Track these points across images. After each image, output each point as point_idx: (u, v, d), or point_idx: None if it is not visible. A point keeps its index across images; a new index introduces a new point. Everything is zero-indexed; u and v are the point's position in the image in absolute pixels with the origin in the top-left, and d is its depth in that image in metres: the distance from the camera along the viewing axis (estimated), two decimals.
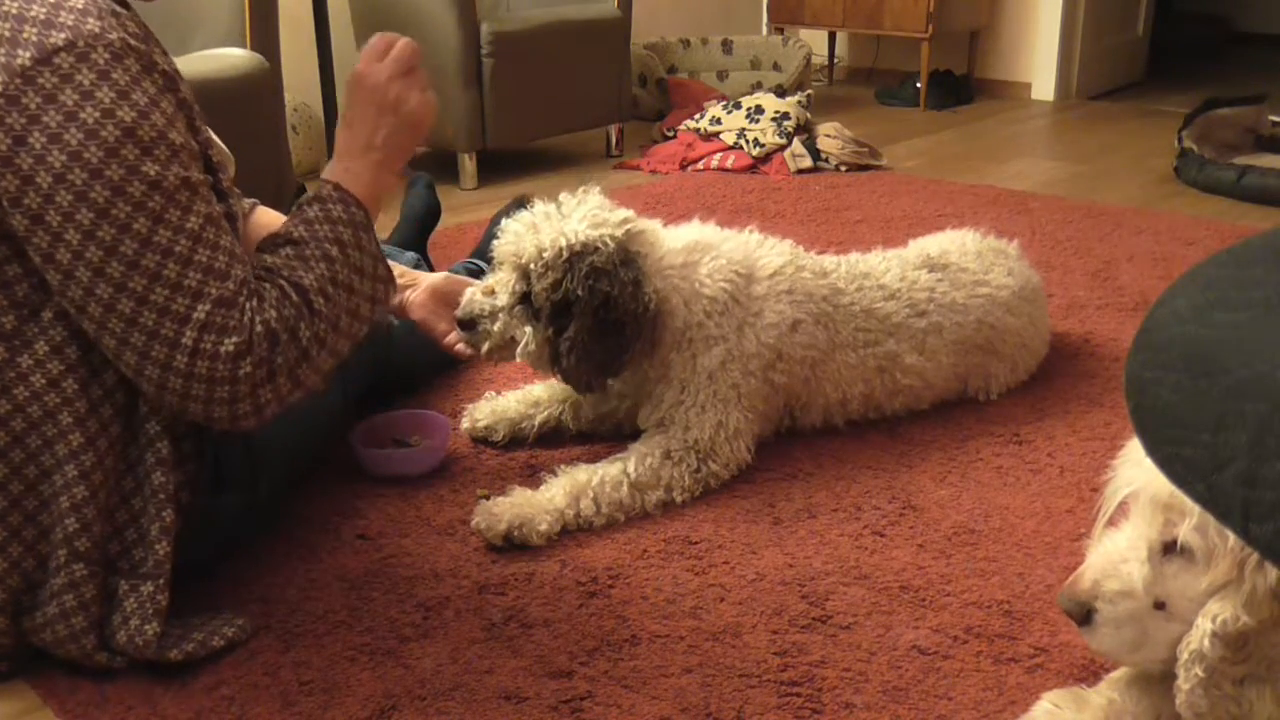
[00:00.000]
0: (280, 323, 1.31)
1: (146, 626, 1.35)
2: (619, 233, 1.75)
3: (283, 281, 1.34)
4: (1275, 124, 3.93)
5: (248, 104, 2.67)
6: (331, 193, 1.42)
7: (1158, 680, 1.17)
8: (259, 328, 1.29)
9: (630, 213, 1.81)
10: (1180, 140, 3.79)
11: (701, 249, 1.85)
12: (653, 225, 1.86)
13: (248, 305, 1.29)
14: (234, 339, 1.27)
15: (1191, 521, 1.04)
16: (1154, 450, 0.83)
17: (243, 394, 1.29)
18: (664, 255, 1.81)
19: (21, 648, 1.37)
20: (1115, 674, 1.23)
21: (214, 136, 1.50)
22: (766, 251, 1.91)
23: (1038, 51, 5.30)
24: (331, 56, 3.40)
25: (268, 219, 1.74)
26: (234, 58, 2.68)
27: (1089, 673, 1.34)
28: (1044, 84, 5.31)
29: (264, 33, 2.79)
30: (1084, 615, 1.11)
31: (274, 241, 1.39)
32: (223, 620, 1.43)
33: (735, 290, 1.83)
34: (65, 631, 1.34)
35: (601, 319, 1.70)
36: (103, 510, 1.34)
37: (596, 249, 1.71)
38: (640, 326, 1.74)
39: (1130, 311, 2.54)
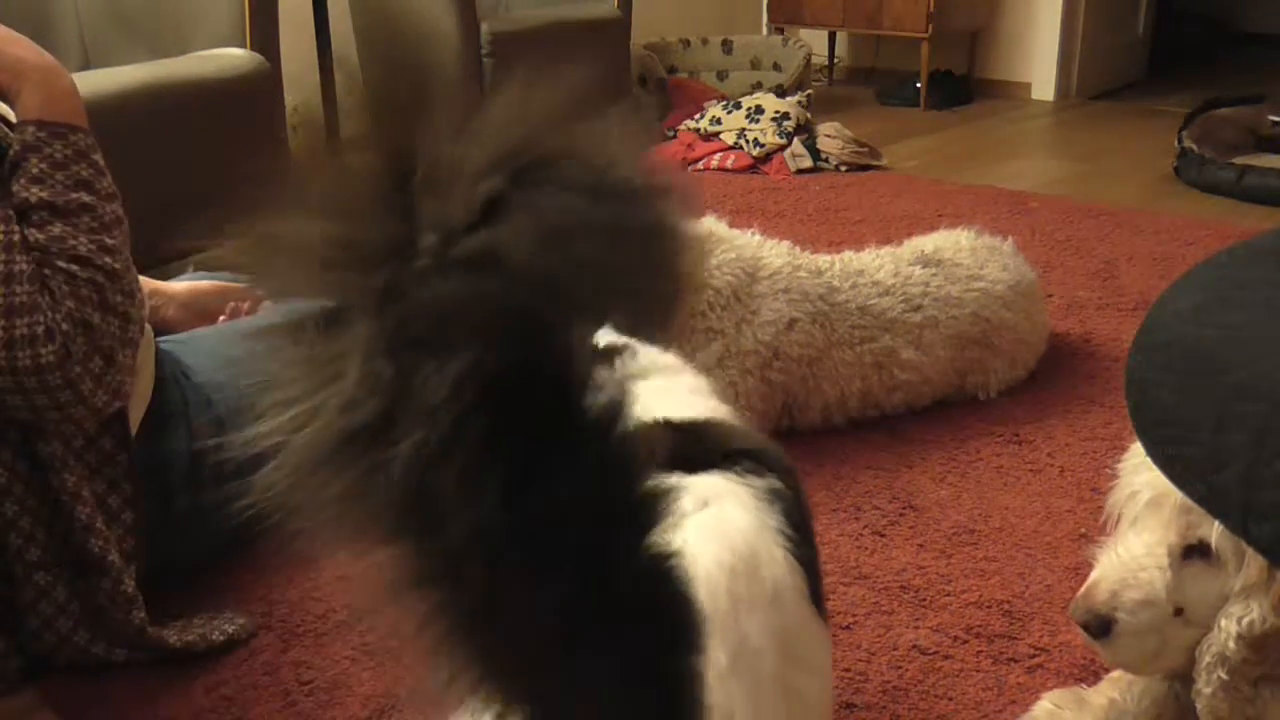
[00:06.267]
0: (85, 307, 1.21)
1: (129, 617, 1.34)
2: None
3: (61, 263, 1.22)
4: (1275, 124, 3.93)
5: (248, 104, 2.67)
6: (38, 134, 1.26)
7: (1159, 681, 1.17)
8: (65, 325, 1.20)
9: None
10: (1180, 140, 3.79)
11: (715, 240, 1.87)
12: None
13: (44, 304, 1.19)
14: (49, 347, 1.18)
15: (1221, 525, 1.02)
16: (1154, 450, 0.83)
17: (88, 390, 1.21)
18: None
19: (24, 668, 1.36)
20: (1115, 674, 1.23)
21: None
22: (768, 252, 1.93)
23: (1038, 51, 5.30)
24: (331, 56, 3.40)
25: (150, 285, 1.65)
26: (234, 58, 2.68)
27: (1089, 673, 1.34)
28: (1044, 84, 5.31)
29: (264, 33, 2.79)
30: (1103, 627, 1.07)
31: (25, 211, 1.24)
32: (224, 619, 1.43)
33: (738, 286, 1.84)
34: (54, 639, 1.33)
35: None
36: (39, 519, 1.31)
37: None
38: None
39: (1130, 311, 2.54)
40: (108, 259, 1.25)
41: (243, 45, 2.76)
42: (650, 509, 0.58)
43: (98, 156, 1.30)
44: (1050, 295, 2.56)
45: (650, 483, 0.57)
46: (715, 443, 0.86)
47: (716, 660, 0.72)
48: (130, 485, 1.38)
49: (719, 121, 4.14)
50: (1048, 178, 3.87)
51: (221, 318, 1.82)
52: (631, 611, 0.60)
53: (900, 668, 1.37)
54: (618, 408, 0.54)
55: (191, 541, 1.50)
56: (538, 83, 0.53)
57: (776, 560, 0.80)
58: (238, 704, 1.33)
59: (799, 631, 0.82)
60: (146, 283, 1.65)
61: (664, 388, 0.96)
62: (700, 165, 3.99)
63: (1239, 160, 3.63)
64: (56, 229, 1.24)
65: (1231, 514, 0.74)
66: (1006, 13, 5.34)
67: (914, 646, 1.41)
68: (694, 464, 0.82)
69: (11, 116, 1.34)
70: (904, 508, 1.74)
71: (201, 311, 1.83)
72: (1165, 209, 3.42)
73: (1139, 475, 1.09)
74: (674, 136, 4.27)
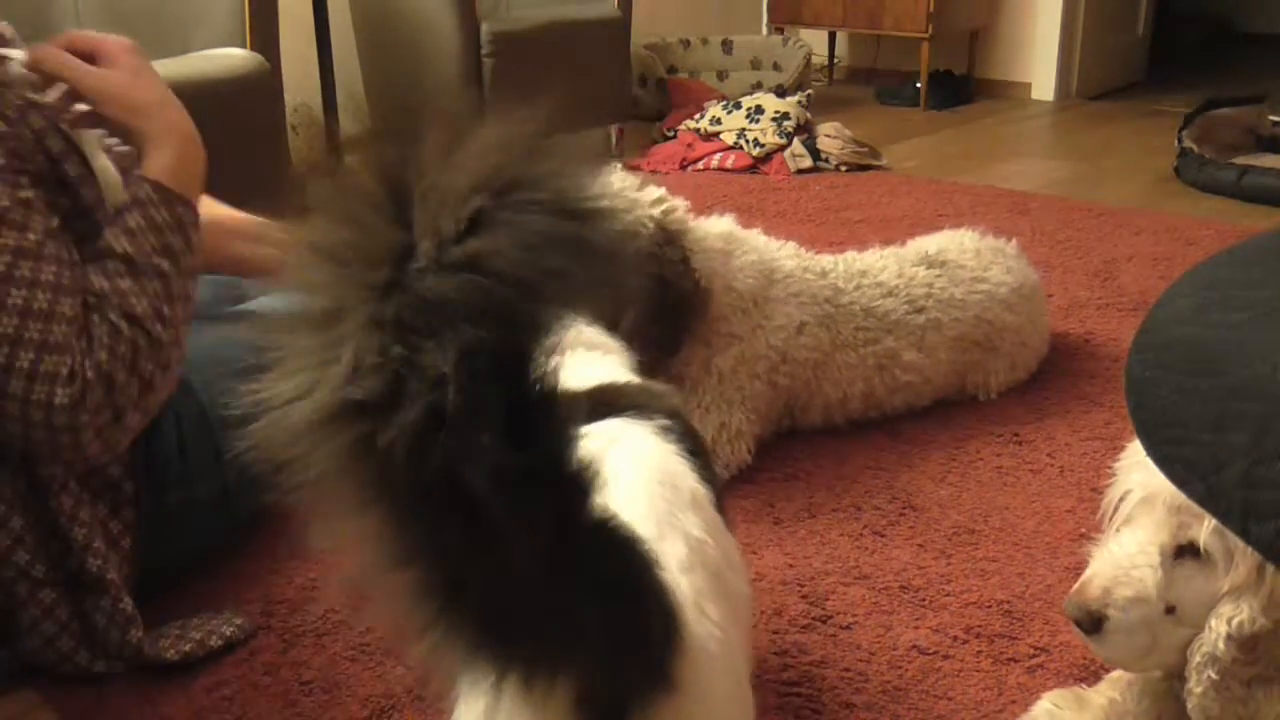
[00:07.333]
0: (115, 363, 1.22)
1: (128, 635, 1.34)
2: (655, 212, 1.70)
3: (113, 316, 1.24)
4: (1275, 124, 3.93)
5: (248, 104, 2.67)
6: (151, 194, 1.30)
7: (1158, 680, 1.17)
8: (89, 373, 1.20)
9: (662, 190, 1.77)
10: (1180, 140, 3.79)
11: (735, 241, 1.84)
12: (682, 203, 1.81)
13: (78, 347, 1.20)
14: (67, 390, 1.19)
15: (1211, 524, 1.02)
16: (1154, 450, 0.83)
17: (87, 440, 1.22)
18: (703, 237, 1.78)
19: (17, 673, 1.36)
20: (1115, 674, 1.23)
21: (97, 153, 1.37)
22: (780, 253, 1.91)
23: (1038, 51, 5.30)
24: (331, 56, 3.40)
25: (220, 212, 1.62)
26: (234, 58, 2.68)
27: (1089, 673, 1.34)
28: (1044, 84, 5.31)
29: (264, 33, 2.79)
30: (1094, 624, 1.08)
31: (99, 255, 1.27)
32: (222, 620, 1.43)
33: (757, 290, 1.82)
34: (55, 656, 1.33)
35: (656, 303, 1.65)
36: (42, 538, 1.31)
37: (636, 234, 1.65)
38: (694, 303, 1.71)
39: (1130, 311, 2.54)
40: (159, 327, 1.26)
41: (243, 45, 2.76)
42: (584, 471, 0.68)
43: (195, 234, 1.33)
44: (1050, 295, 2.57)
45: (574, 438, 0.68)
46: (612, 399, 1.05)
47: (676, 550, 0.84)
48: (133, 511, 1.39)
49: (719, 121, 4.14)
50: (1048, 178, 3.87)
51: None
52: (591, 548, 0.69)
53: (900, 668, 1.37)
54: (554, 377, 0.65)
55: (184, 541, 1.50)
56: (514, 115, 0.64)
57: (686, 473, 0.96)
58: (238, 704, 1.33)
59: (721, 533, 0.95)
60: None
61: (584, 359, 1.17)
62: (700, 165, 3.99)
63: (1239, 160, 3.63)
64: (124, 284, 1.26)
65: (1231, 514, 0.74)
66: (1006, 13, 5.34)
67: (914, 646, 1.41)
68: (596, 416, 1.00)
69: (112, 183, 1.36)
70: (904, 508, 1.74)
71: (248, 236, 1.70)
72: (1165, 209, 3.42)
73: (1133, 474, 1.10)
74: (674, 136, 4.27)
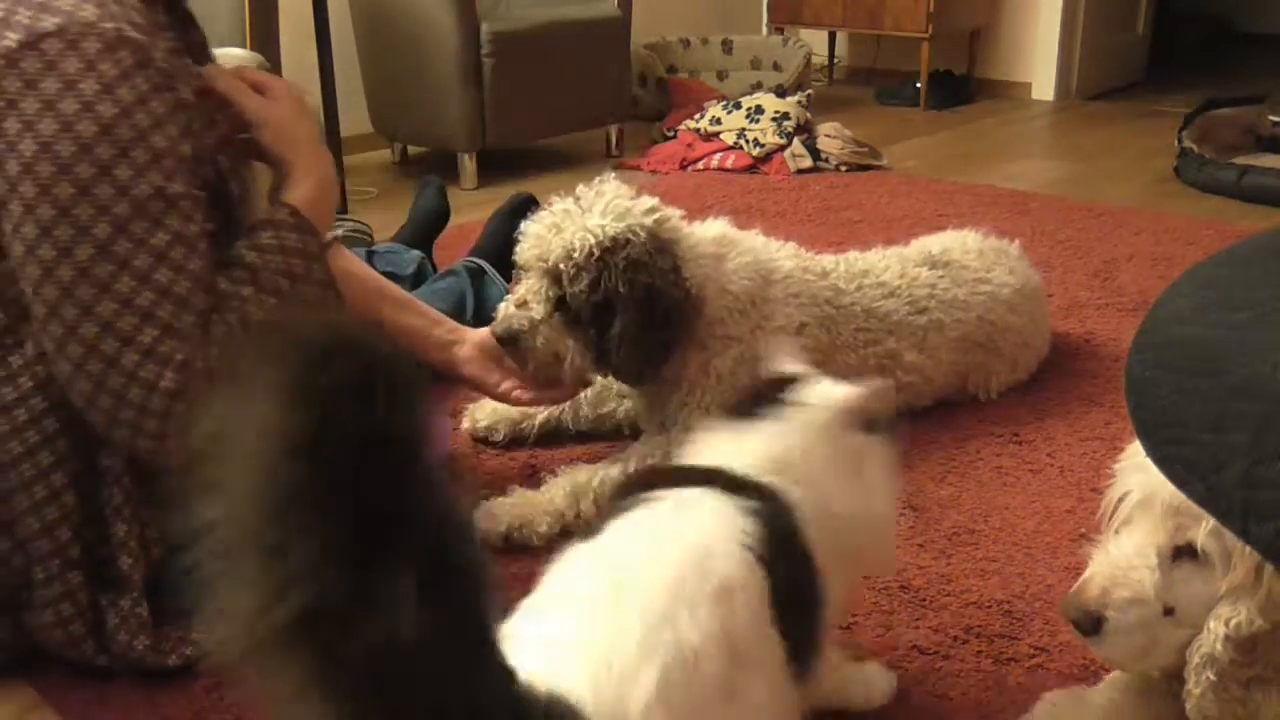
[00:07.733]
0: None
1: (135, 641, 1.34)
2: (648, 221, 1.70)
3: (231, 319, 1.28)
4: (1275, 124, 3.93)
5: None
6: (288, 219, 1.37)
7: (1157, 681, 1.17)
8: (199, 364, 1.23)
9: (655, 200, 1.77)
10: (1180, 140, 3.79)
11: (728, 243, 1.83)
12: (675, 212, 1.81)
13: (198, 338, 1.24)
14: (175, 375, 1.21)
15: (1208, 525, 1.02)
16: (1154, 451, 0.83)
17: (171, 432, 1.23)
18: (696, 243, 1.78)
19: (21, 644, 1.37)
20: (1115, 674, 1.23)
21: (261, 183, 1.47)
22: (777, 254, 1.91)
23: (1038, 51, 5.30)
24: (331, 56, 3.40)
25: (342, 261, 1.67)
26: (234, 58, 2.68)
27: (1089, 673, 1.34)
28: (1044, 84, 5.31)
29: (264, 33, 2.79)
30: (1092, 624, 1.09)
31: (227, 263, 1.33)
32: None
33: (754, 291, 1.81)
34: (63, 637, 1.33)
35: (646, 311, 1.66)
36: (85, 522, 1.31)
37: (628, 241, 1.65)
38: (685, 312, 1.71)
39: (1130, 311, 2.54)
40: None
41: (243, 45, 2.76)
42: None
43: (318, 266, 1.39)
44: (1050, 295, 2.56)
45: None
46: (713, 476, 1.02)
47: (643, 692, 0.79)
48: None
49: (719, 121, 4.15)
50: (1048, 178, 3.87)
51: (508, 384, 1.76)
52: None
53: (900, 668, 1.37)
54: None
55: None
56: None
57: (732, 557, 0.90)
58: (238, 704, 1.33)
59: (747, 630, 0.88)
60: (441, 321, 1.73)
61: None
62: (700, 165, 3.99)
63: (1239, 160, 3.63)
64: (246, 291, 1.31)
65: (1231, 514, 0.74)
66: (1006, 13, 5.34)
67: (914, 646, 1.41)
68: (686, 484, 0.99)
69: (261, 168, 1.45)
70: (904, 508, 1.74)
71: (500, 356, 1.75)
72: (1165, 209, 3.42)
73: (1132, 475, 1.10)
74: (674, 136, 4.27)
